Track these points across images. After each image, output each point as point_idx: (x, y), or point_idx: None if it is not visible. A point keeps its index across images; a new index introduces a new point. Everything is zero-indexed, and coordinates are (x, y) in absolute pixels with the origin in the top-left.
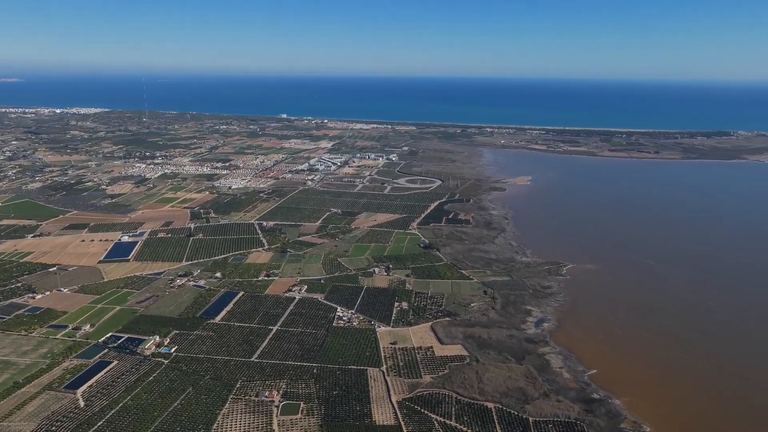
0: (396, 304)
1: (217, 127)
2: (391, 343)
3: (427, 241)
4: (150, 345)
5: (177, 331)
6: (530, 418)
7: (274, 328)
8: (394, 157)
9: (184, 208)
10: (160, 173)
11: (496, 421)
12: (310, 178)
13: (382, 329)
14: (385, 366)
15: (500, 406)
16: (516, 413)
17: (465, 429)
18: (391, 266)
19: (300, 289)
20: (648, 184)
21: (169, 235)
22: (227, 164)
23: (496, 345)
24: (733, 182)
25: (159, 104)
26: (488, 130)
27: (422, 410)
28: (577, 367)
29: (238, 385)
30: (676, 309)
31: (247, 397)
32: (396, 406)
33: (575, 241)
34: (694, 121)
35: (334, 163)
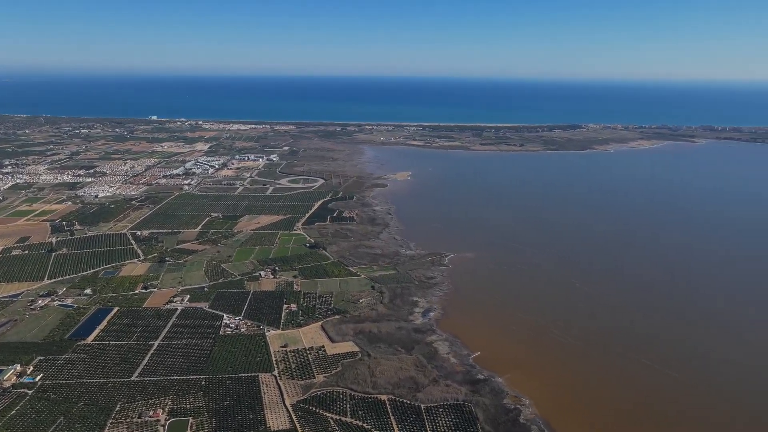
0: (285, 306)
1: (78, 131)
2: (282, 347)
3: (313, 241)
4: (9, 376)
5: (42, 357)
6: (422, 405)
7: (156, 343)
8: (274, 158)
9: (43, 221)
10: (10, 184)
11: (390, 413)
12: (186, 182)
13: (271, 333)
14: (277, 370)
15: (393, 397)
16: (409, 402)
17: (360, 424)
18: (277, 268)
19: (182, 300)
20: (516, 174)
21: (26, 251)
22: (92, 171)
23: (387, 338)
24: (586, 169)
25: (4, 107)
26: (368, 127)
27: (317, 410)
28: (463, 352)
29: (117, 408)
30: (546, 288)
31: (129, 420)
32: (290, 409)
33: (455, 232)
34: (553, 115)
35: (211, 166)
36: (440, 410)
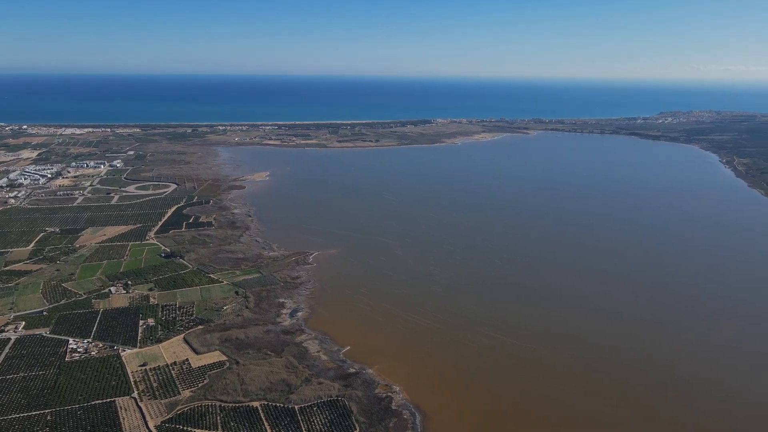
0: (141, 322)
1: None
2: (140, 366)
3: (168, 250)
4: None
5: None
6: (296, 407)
7: None
8: (118, 163)
9: None
10: None
11: (263, 419)
12: (12, 195)
13: (128, 353)
14: (136, 392)
15: (266, 403)
16: (282, 405)
17: None
18: (129, 282)
19: (16, 327)
20: (373, 169)
21: None
22: None
23: (255, 343)
24: (438, 161)
25: None
26: (221, 128)
27: (185, 428)
28: (333, 348)
29: None
30: (408, 278)
31: None
32: (155, 431)
33: (317, 230)
34: (405, 111)
35: (43, 176)
36: (314, 409)
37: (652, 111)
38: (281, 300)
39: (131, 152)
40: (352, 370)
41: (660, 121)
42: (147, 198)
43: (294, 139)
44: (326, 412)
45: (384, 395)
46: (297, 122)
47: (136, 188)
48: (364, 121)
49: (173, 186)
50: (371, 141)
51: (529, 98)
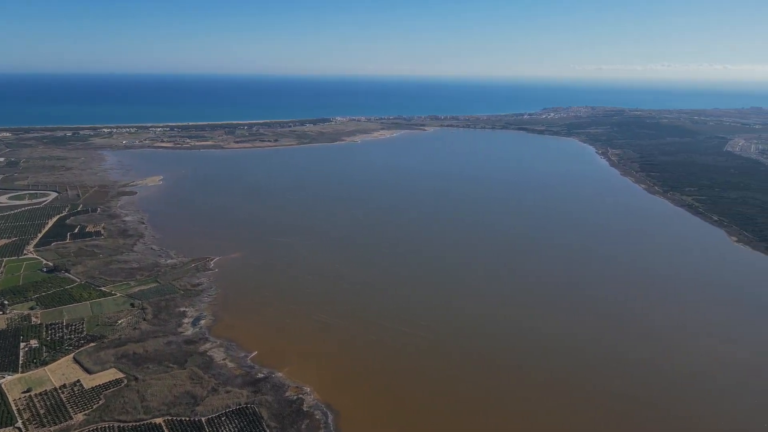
0: (23, 344)
1: None
2: (24, 392)
3: (51, 264)
4: None
5: None
6: (203, 419)
7: None
8: None
9: None
10: None
11: None
12: None
13: (8, 379)
14: (20, 421)
15: (170, 418)
16: (188, 419)
17: None
18: (6, 302)
19: None
20: (273, 169)
21: None
22: None
23: (155, 356)
24: (339, 160)
25: None
26: (106, 130)
27: None
28: (240, 354)
29: None
30: (313, 276)
31: None
32: None
33: (217, 234)
34: (304, 110)
35: None
36: (223, 419)
37: (537, 107)
38: (182, 309)
39: (2, 159)
40: (260, 375)
41: (544, 116)
42: (23, 208)
43: (188, 140)
44: (235, 420)
45: (295, 397)
46: (191, 123)
47: (10, 198)
48: (262, 121)
49: (53, 194)
50: (270, 141)
51: (426, 96)
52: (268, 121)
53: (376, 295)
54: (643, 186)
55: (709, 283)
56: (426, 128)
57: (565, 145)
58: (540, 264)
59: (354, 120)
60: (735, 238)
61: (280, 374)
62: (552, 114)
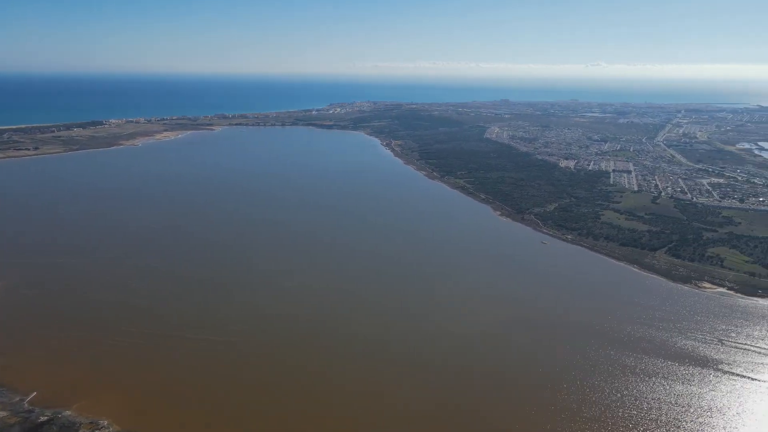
0: None
1: None
2: None
3: None
4: None
5: None
6: None
7: None
8: None
9: None
10: None
11: None
12: None
13: None
14: None
15: None
16: None
17: None
18: None
19: None
20: (37, 181)
21: None
22: None
23: None
24: (116, 166)
25: None
26: None
27: None
28: (14, 399)
29: None
30: (99, 298)
31: None
32: None
33: None
34: (69, 113)
35: None
36: None
37: (323, 103)
38: None
39: None
40: (43, 418)
41: (331, 111)
42: None
43: None
44: None
45: None
46: None
47: None
48: (14, 126)
49: None
50: (29, 149)
51: (213, 94)
52: (24, 126)
53: (172, 305)
54: (424, 172)
55: (483, 250)
56: (214, 128)
57: (353, 138)
58: (351, 238)
59: (132, 122)
60: (499, 212)
61: (68, 412)
62: (338, 109)
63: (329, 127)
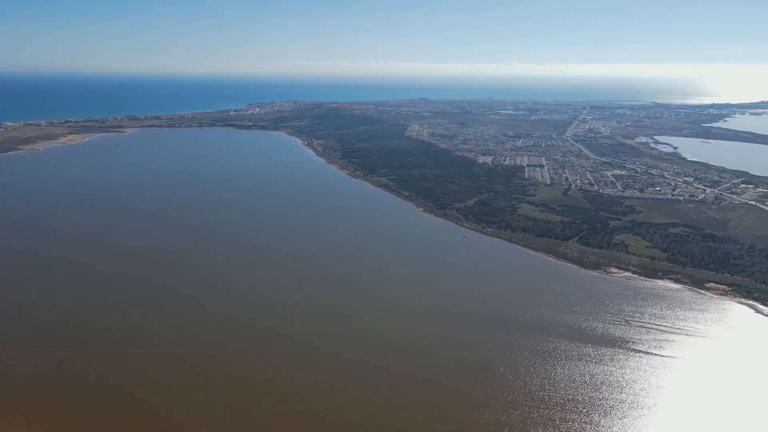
0: None
1: None
2: None
3: None
4: None
5: None
6: None
7: None
8: None
9: None
10: None
11: None
12: None
13: None
14: None
15: None
16: None
17: None
18: None
19: None
20: None
21: None
22: None
23: None
24: (14, 172)
25: None
26: None
27: None
28: None
29: None
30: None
31: None
32: None
33: None
34: None
35: None
36: None
37: (242, 103)
38: None
39: None
40: None
41: (250, 111)
42: None
43: None
44: None
45: None
46: None
47: None
48: None
49: None
50: None
51: (120, 95)
52: None
53: (78, 319)
54: (347, 171)
55: (407, 246)
56: (125, 130)
57: (274, 138)
58: (274, 239)
59: (32, 125)
60: (422, 209)
61: None
62: (257, 109)
63: (249, 127)
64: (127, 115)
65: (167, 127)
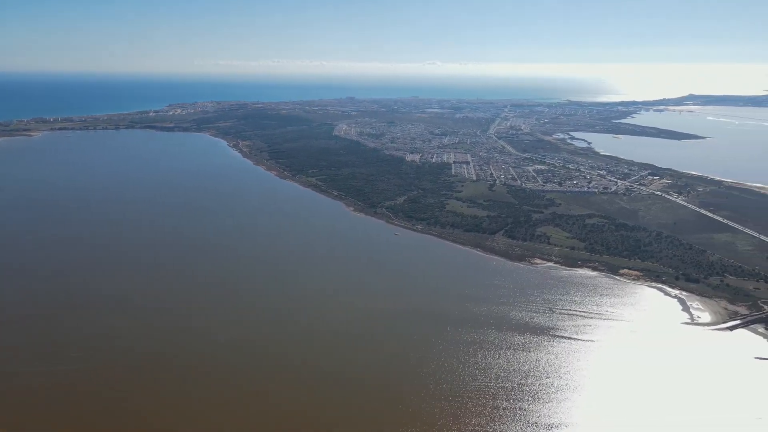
0: None
1: None
2: None
3: None
4: None
5: None
6: None
7: None
8: None
9: None
10: None
11: None
12: None
13: None
14: None
15: None
16: None
17: None
18: None
19: None
20: None
21: None
22: None
23: None
24: None
25: None
26: None
27: None
28: None
29: None
30: None
31: None
32: None
33: None
34: None
35: None
36: None
37: (162, 104)
38: None
39: None
40: None
41: (171, 113)
42: None
43: None
44: None
45: None
46: None
47: None
48: None
49: None
50: None
51: (26, 95)
52: None
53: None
54: (275, 172)
55: (338, 246)
56: (32, 133)
57: (197, 140)
58: (205, 242)
59: None
60: (352, 208)
61: None
62: (179, 110)
63: (170, 129)
64: (34, 118)
65: (80, 129)
